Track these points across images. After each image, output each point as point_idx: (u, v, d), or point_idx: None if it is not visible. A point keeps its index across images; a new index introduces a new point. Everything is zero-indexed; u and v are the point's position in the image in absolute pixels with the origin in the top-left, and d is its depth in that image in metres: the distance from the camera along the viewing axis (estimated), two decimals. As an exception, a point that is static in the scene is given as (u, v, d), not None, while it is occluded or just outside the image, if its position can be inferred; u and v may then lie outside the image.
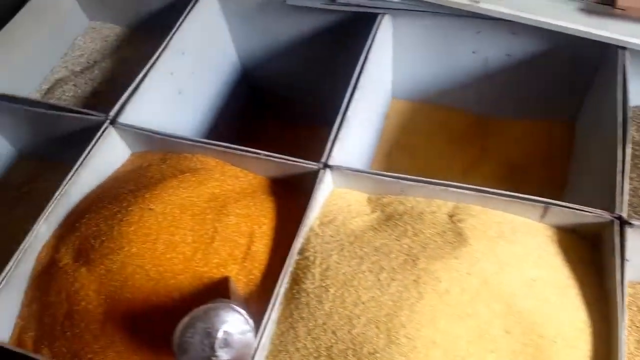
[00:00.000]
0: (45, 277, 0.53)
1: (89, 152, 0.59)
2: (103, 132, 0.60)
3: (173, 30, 0.69)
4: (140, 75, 0.65)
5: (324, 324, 0.44)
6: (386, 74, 0.76)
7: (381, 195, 0.55)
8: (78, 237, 0.53)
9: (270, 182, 0.59)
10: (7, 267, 0.51)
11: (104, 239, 0.51)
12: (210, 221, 0.53)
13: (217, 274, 0.50)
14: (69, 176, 0.57)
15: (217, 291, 0.49)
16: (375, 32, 0.65)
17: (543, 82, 0.70)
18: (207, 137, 0.80)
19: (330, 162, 0.55)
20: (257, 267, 0.51)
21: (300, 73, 0.83)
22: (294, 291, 0.47)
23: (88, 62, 0.85)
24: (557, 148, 0.73)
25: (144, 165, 0.62)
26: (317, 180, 0.53)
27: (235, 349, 0.41)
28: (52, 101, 0.76)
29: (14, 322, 0.53)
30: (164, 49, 0.67)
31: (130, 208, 0.52)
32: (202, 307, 0.40)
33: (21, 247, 0.53)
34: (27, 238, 0.53)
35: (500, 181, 0.74)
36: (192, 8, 0.71)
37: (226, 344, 0.40)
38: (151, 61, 0.66)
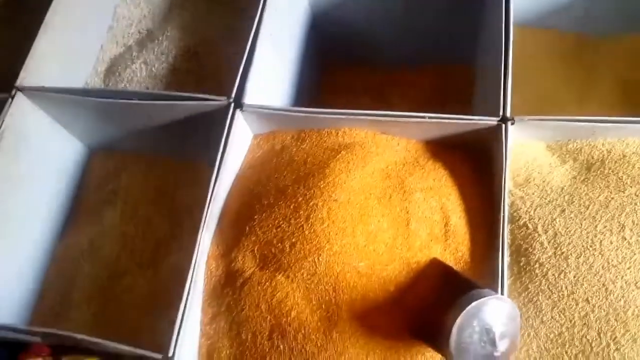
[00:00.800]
0: (228, 290, 0.48)
1: (224, 145, 0.52)
2: (232, 118, 0.53)
3: (266, -17, 0.59)
4: (249, 45, 0.56)
5: (572, 293, 0.42)
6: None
7: (563, 141, 0.51)
8: (255, 242, 0.48)
9: (428, 146, 0.54)
10: (187, 289, 0.46)
11: (294, 240, 0.46)
12: (398, 202, 0.48)
13: (422, 257, 0.47)
14: (212, 177, 0.50)
15: (432, 274, 0.45)
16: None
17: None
18: (297, 101, 0.72)
19: (509, 114, 0.50)
20: (462, 242, 0.47)
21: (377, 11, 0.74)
22: (522, 264, 0.44)
23: (140, 33, 0.73)
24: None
25: (276, 148, 0.56)
26: (502, 137, 0.49)
27: (509, 338, 0.38)
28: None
29: (198, 343, 0.48)
30: (263, 9, 0.58)
31: (311, 202, 0.47)
32: (473, 304, 0.37)
33: (193, 263, 0.47)
34: (194, 252, 0.48)
35: (620, 101, 0.71)
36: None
37: (503, 335, 0.38)
38: (254, 26, 0.57)
